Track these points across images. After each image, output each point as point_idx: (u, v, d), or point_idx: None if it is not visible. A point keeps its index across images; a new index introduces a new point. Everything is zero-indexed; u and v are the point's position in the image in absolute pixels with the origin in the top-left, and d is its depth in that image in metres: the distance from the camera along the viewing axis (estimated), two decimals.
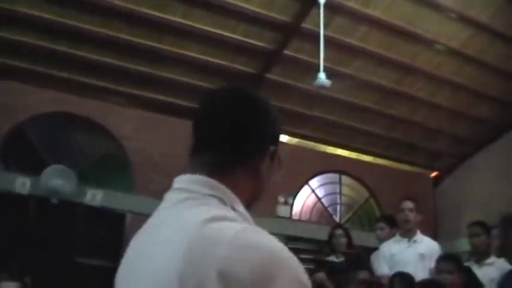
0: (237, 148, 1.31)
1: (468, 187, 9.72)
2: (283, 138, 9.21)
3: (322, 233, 6.64)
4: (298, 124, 8.87)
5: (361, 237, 7.65)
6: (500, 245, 4.59)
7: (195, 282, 1.06)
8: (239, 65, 7.71)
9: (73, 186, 7.24)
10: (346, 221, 9.56)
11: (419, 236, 5.34)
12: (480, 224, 4.80)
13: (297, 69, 7.75)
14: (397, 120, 9.08)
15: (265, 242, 1.13)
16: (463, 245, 5.09)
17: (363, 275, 4.49)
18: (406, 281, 3.81)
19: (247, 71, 7.78)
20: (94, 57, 7.29)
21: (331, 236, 5.85)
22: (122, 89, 7.87)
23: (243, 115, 1.35)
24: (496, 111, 9.03)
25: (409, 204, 5.34)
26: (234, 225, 1.14)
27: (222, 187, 1.25)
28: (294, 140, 9.34)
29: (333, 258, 5.73)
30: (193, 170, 1.29)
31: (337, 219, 9.58)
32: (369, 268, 4.99)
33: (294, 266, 1.11)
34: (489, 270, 4.23)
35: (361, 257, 5.46)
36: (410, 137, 9.47)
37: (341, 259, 5.63)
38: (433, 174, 10.68)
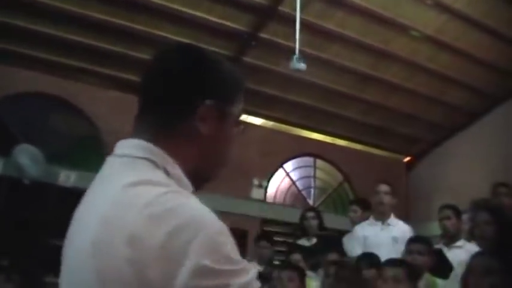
0: (172, 108, 1.22)
1: (441, 172, 9.85)
2: (258, 121, 9.23)
3: (296, 216, 6.68)
4: (273, 107, 8.89)
5: (334, 221, 7.73)
6: (469, 229, 4.66)
7: (105, 247, 1.02)
8: (215, 47, 7.62)
9: (41, 166, 7.15)
10: (320, 204, 9.64)
11: (393, 220, 5.41)
12: (450, 207, 4.86)
13: (273, 52, 7.74)
14: (371, 105, 9.14)
15: (184, 205, 1.07)
16: (435, 228, 5.16)
17: (332, 256, 4.54)
18: (373, 262, 3.87)
19: (223, 53, 7.73)
20: (68, 36, 7.18)
21: (303, 218, 5.89)
22: (96, 69, 7.78)
23: (179, 73, 1.25)
24: (470, 97, 9.14)
25: (384, 188, 5.40)
26: (155, 188, 1.08)
27: (156, 149, 1.18)
28: (269, 123, 9.35)
29: (304, 241, 5.78)
30: (133, 134, 1.23)
31: (311, 202, 9.64)
32: (339, 250, 5.05)
33: (214, 231, 1.04)
34: (458, 253, 4.29)
35: (332, 239, 5.52)
36: (384, 122, 9.54)
37: (312, 241, 5.68)
38: (407, 159, 10.80)
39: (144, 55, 7.54)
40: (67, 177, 7.47)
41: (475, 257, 2.85)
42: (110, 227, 1.04)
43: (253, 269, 1.08)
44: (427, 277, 3.83)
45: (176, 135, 1.21)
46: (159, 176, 1.14)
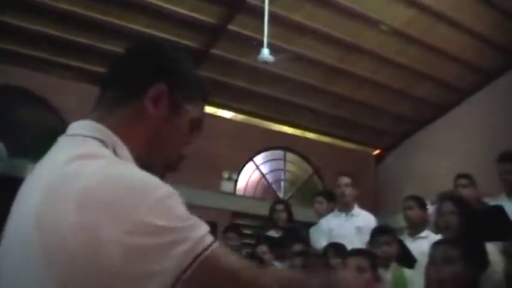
0: (125, 87, 1.26)
1: (409, 165, 9.96)
2: (228, 114, 9.22)
3: (266, 209, 6.69)
4: (243, 100, 8.89)
5: (304, 213, 7.74)
6: (435, 220, 4.71)
7: (50, 216, 1.02)
8: (184, 40, 7.62)
9: (4, 161, 7.02)
10: (290, 197, 9.67)
11: (356, 210, 5.47)
12: (414, 198, 4.92)
13: (242, 44, 7.72)
14: (340, 98, 9.19)
15: (130, 171, 1.09)
16: (402, 220, 5.24)
17: (297, 247, 4.57)
18: (339, 251, 3.90)
19: (192, 46, 7.71)
20: (37, 28, 7.07)
21: (272, 210, 5.91)
22: (65, 61, 7.68)
23: (139, 55, 1.31)
24: (438, 91, 9.25)
25: (345, 180, 5.46)
26: (101, 160, 1.10)
27: (106, 130, 1.20)
28: (239, 117, 9.35)
29: (273, 232, 5.80)
30: (87, 116, 1.26)
31: (281, 195, 9.67)
32: (305, 241, 5.08)
33: (162, 194, 1.06)
34: (422, 243, 4.33)
35: (298, 231, 5.55)
36: (353, 115, 9.61)
37: (280, 233, 5.71)
38: (376, 151, 10.90)
39: (114, 47, 7.47)
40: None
41: (434, 246, 2.88)
42: (55, 197, 1.04)
43: (205, 224, 1.09)
44: (394, 266, 3.87)
45: (126, 115, 1.23)
46: (106, 152, 1.15)
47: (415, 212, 4.79)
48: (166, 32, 7.43)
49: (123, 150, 1.19)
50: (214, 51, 7.85)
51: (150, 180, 1.07)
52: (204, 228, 1.08)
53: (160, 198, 1.04)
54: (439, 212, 4.08)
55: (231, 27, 7.57)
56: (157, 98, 1.24)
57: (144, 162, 1.21)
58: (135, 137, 1.23)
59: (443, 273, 2.68)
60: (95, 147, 1.15)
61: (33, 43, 7.32)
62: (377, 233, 4.18)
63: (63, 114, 7.84)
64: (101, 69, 7.77)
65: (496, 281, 3.31)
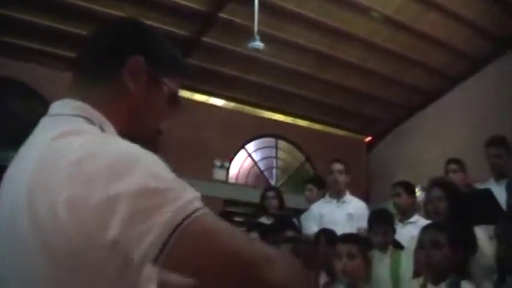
0: (104, 61, 1.25)
1: (400, 151, 10.02)
2: (219, 102, 9.23)
3: (258, 197, 6.72)
4: (234, 88, 8.91)
5: (296, 201, 7.77)
6: (423, 205, 4.75)
7: (44, 193, 1.03)
8: (175, 28, 7.61)
9: None
10: (282, 185, 9.72)
11: (348, 197, 5.48)
12: (402, 184, 4.91)
13: (233, 32, 7.72)
14: (331, 86, 9.21)
15: (121, 142, 1.11)
16: (393, 207, 5.27)
17: (289, 233, 4.59)
18: (330, 237, 3.93)
19: (183, 34, 7.70)
20: (27, 18, 7.04)
21: (263, 198, 5.91)
22: (55, 51, 7.64)
23: (117, 30, 1.32)
24: (427, 77, 9.28)
25: (338, 166, 5.45)
26: (89, 135, 1.11)
27: (87, 107, 1.20)
28: (231, 105, 9.37)
29: (264, 219, 5.81)
30: (67, 95, 1.25)
31: (273, 182, 9.71)
32: (296, 228, 5.10)
33: (151, 163, 1.06)
34: (411, 228, 4.36)
35: (289, 217, 5.55)
36: (344, 102, 9.64)
37: (272, 220, 5.71)
38: (367, 139, 10.94)
39: None
40: None
41: (423, 230, 2.93)
42: (46, 172, 1.04)
43: (196, 191, 1.08)
44: (391, 249, 3.93)
45: (106, 92, 1.23)
46: (94, 129, 1.16)
47: (403, 199, 4.79)
48: (156, 20, 7.40)
49: (109, 127, 1.20)
50: (205, 39, 7.85)
51: (138, 150, 1.07)
52: (193, 193, 1.06)
53: (148, 165, 1.05)
54: (428, 198, 4.10)
55: (221, 15, 7.57)
56: (135, 71, 1.23)
57: (126, 138, 1.20)
58: (116, 113, 1.23)
59: (432, 257, 2.73)
60: (82, 123, 1.16)
61: (24, 33, 7.28)
62: (374, 221, 4.19)
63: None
64: None
65: (485, 266, 3.36)
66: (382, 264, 3.65)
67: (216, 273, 1.06)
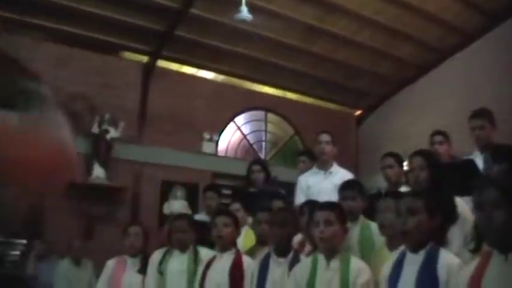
0: None
1: (389, 125, 10.04)
2: (208, 75, 9.18)
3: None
4: (223, 61, 8.86)
5: (285, 174, 7.79)
6: (405, 175, 4.73)
7: None
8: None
9: None
10: (271, 158, 9.73)
11: (335, 168, 5.47)
12: (393, 155, 4.83)
13: (220, 4, 7.64)
14: (321, 59, 9.18)
15: None
16: (382, 179, 5.22)
17: (277, 204, 4.59)
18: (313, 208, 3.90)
19: (170, 5, 7.62)
20: None
21: (249, 171, 5.90)
22: (40, 22, 7.54)
23: None
24: (417, 51, 9.27)
25: (325, 137, 5.42)
26: None
27: None
28: (220, 77, 9.32)
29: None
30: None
31: (262, 155, 9.73)
32: (284, 198, 5.12)
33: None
34: None
35: (277, 188, 5.56)
36: (334, 75, 9.62)
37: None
38: (357, 112, 10.95)
39: (86, 7, 7.35)
40: None
41: (401, 198, 2.93)
42: None
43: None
44: (362, 220, 3.93)
45: None
46: None
47: (394, 171, 4.72)
48: None
49: None
50: (192, 10, 7.75)
51: None
52: None
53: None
54: (410, 167, 4.06)
55: None
56: None
57: None
58: None
59: (408, 224, 2.74)
60: None
61: (6, 4, 7.15)
62: (342, 188, 4.18)
63: (39, 77, 7.73)
64: (76, 30, 7.68)
65: (465, 235, 3.38)
66: (350, 234, 3.65)
67: None
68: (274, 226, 3.60)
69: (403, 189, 4.73)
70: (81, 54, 7.91)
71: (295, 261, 3.50)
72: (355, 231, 3.76)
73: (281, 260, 3.55)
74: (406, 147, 7.00)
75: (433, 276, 2.61)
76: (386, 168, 4.81)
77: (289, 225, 3.63)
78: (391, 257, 3.07)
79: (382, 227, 3.39)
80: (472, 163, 4.00)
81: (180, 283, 4.13)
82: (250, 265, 3.74)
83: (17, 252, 6.61)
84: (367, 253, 3.61)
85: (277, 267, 3.54)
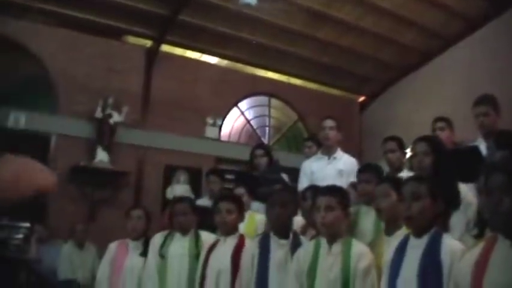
0: None
1: (393, 111, 10.02)
2: (212, 60, 9.17)
3: None
4: (227, 45, 8.83)
5: (288, 159, 7.80)
6: (409, 160, 4.72)
7: None
8: None
9: None
10: (275, 143, 9.74)
11: (339, 153, 5.47)
12: (395, 138, 4.79)
13: None
14: (325, 44, 9.15)
15: None
16: (385, 165, 5.20)
17: (278, 187, 4.59)
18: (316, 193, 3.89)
19: None
20: None
21: (253, 156, 5.90)
22: (44, 7, 7.53)
23: None
24: (422, 38, 9.22)
25: (329, 123, 5.42)
26: None
27: None
28: (224, 62, 9.30)
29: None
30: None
31: (265, 141, 9.73)
32: (285, 182, 5.12)
33: None
34: None
35: (279, 175, 5.56)
36: (338, 61, 9.59)
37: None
38: (361, 98, 10.93)
39: None
40: (17, 119, 7.32)
41: (404, 183, 2.93)
42: None
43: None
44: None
45: None
46: None
47: (396, 155, 4.71)
48: None
49: None
50: None
51: None
52: None
53: None
54: (413, 152, 4.05)
55: None
56: None
57: None
58: None
59: (412, 209, 2.74)
60: None
61: None
62: (360, 170, 4.18)
63: (44, 61, 7.74)
64: (80, 15, 7.66)
65: (468, 220, 3.39)
66: (367, 217, 3.67)
67: None
68: (274, 206, 3.58)
69: (404, 174, 4.73)
70: (85, 38, 7.90)
71: (296, 243, 3.50)
72: (370, 215, 3.75)
73: (282, 241, 3.54)
74: (409, 134, 6.99)
75: (436, 261, 2.61)
76: (388, 152, 4.77)
77: (289, 206, 3.61)
78: (388, 242, 3.09)
79: (378, 212, 3.40)
80: (476, 150, 3.98)
81: (181, 266, 4.14)
82: (250, 246, 3.72)
83: (20, 236, 6.64)
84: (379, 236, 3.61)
85: (278, 249, 3.52)
